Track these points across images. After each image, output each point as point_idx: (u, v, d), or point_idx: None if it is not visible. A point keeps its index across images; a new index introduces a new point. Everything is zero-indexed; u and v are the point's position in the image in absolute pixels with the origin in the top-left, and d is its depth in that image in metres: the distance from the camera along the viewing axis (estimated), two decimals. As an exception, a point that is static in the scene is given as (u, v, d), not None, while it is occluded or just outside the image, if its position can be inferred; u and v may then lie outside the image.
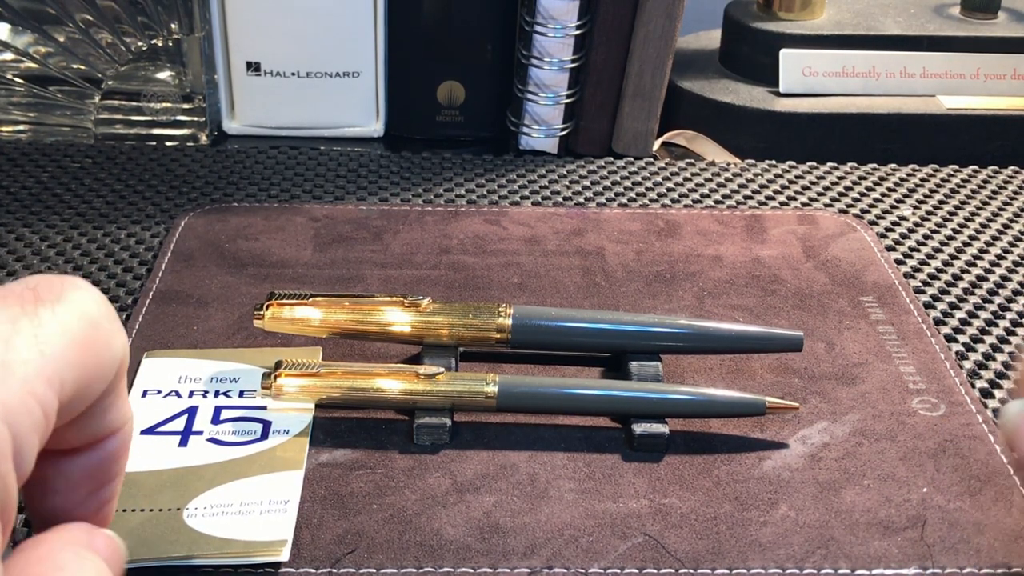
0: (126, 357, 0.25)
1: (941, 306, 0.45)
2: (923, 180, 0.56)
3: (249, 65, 0.57)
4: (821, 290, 0.45)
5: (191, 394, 0.38)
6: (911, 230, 0.51)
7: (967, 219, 0.52)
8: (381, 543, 0.32)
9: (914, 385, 0.40)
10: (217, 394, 0.38)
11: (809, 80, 0.59)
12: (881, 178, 0.56)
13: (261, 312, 0.39)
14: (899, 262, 0.48)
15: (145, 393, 0.38)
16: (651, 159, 0.57)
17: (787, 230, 0.50)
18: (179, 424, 0.36)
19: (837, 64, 0.59)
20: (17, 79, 0.57)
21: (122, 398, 0.25)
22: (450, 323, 0.39)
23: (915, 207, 0.53)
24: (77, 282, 0.24)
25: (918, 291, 0.46)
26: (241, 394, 0.38)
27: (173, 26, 0.56)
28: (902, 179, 0.56)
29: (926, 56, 0.60)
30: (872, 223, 0.52)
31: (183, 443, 0.35)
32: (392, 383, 0.37)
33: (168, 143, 0.57)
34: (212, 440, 0.36)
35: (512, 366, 0.40)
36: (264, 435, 0.36)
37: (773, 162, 0.57)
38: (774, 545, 0.33)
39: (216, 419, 0.37)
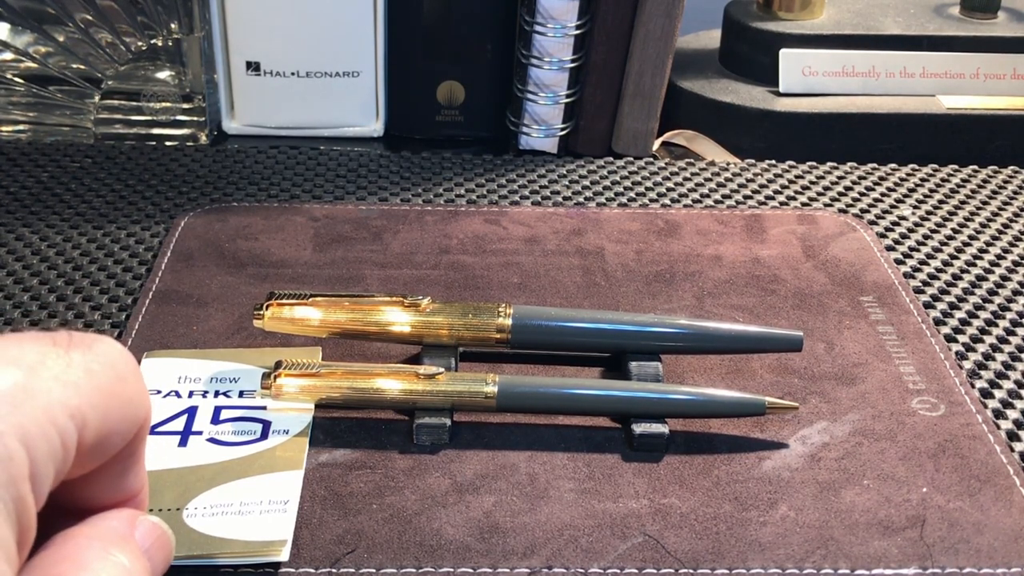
0: (148, 420, 0.25)
1: (941, 306, 0.45)
2: (923, 180, 0.56)
3: (249, 65, 0.57)
4: (821, 290, 0.45)
5: (191, 394, 0.38)
6: (911, 230, 0.51)
7: (967, 219, 0.52)
8: (381, 543, 0.32)
9: (914, 385, 0.40)
10: (217, 394, 0.38)
11: (809, 80, 0.59)
12: (881, 178, 0.56)
13: (261, 312, 0.39)
14: (899, 262, 0.48)
15: (145, 393, 0.38)
16: (651, 159, 0.57)
17: (787, 230, 0.50)
18: (179, 424, 0.36)
19: (837, 64, 0.59)
20: (17, 79, 0.57)
21: (141, 463, 0.26)
22: (450, 323, 0.39)
23: (915, 207, 0.53)
24: (109, 339, 0.24)
25: (918, 291, 0.46)
26: (241, 394, 0.38)
27: (173, 26, 0.56)
28: (902, 179, 0.56)
29: (926, 56, 0.60)
30: (872, 223, 0.52)
31: (183, 443, 0.35)
32: (392, 383, 0.37)
33: (168, 143, 0.57)
34: (212, 440, 0.36)
35: (512, 366, 0.40)
36: (264, 435, 0.36)
37: (773, 162, 0.57)
38: (774, 545, 0.33)
39: (216, 419, 0.37)
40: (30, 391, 0.21)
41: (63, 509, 0.24)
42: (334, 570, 0.32)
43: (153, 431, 0.36)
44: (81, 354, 0.23)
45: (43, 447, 0.21)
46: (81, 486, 0.24)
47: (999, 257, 0.49)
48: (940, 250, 0.50)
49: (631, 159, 0.57)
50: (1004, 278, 0.47)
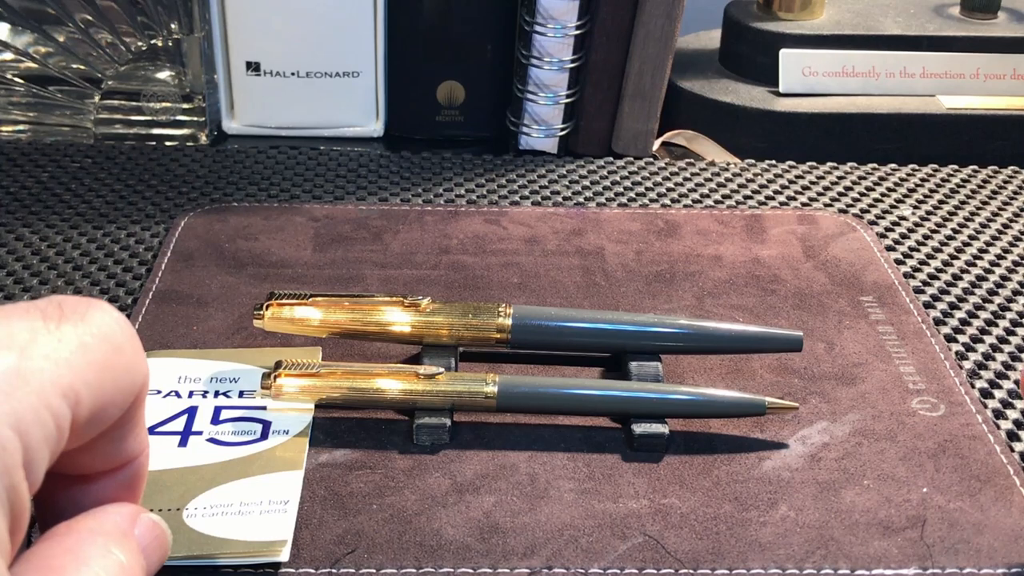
0: (146, 386, 0.24)
1: (941, 306, 0.45)
2: (923, 180, 0.56)
3: (249, 65, 0.57)
4: (821, 290, 0.45)
5: (191, 394, 0.38)
6: (911, 230, 0.51)
7: (967, 219, 0.52)
8: (381, 543, 0.32)
9: (914, 385, 0.40)
10: (217, 394, 0.38)
11: (809, 80, 0.59)
12: (881, 178, 0.56)
13: (261, 312, 0.39)
14: (899, 262, 0.48)
15: (145, 393, 0.38)
16: (651, 159, 0.57)
17: (787, 230, 0.50)
18: (179, 424, 0.36)
19: (837, 64, 0.59)
20: (17, 79, 0.57)
21: (140, 426, 0.25)
22: (450, 323, 0.39)
23: (915, 207, 0.53)
24: (103, 305, 0.23)
25: (918, 291, 0.46)
26: (241, 394, 0.38)
27: (173, 26, 0.56)
28: (902, 179, 0.56)
29: (926, 56, 0.60)
30: (872, 223, 0.52)
31: (183, 443, 0.35)
32: (392, 383, 0.37)
33: (168, 143, 0.57)
34: (212, 440, 0.36)
35: (512, 366, 0.40)
36: (264, 435, 0.36)
37: (773, 162, 0.57)
38: (774, 545, 0.33)
39: (216, 419, 0.37)
40: (22, 375, 0.21)
41: (60, 475, 0.24)
42: (334, 570, 0.32)
43: (153, 431, 0.36)
44: (73, 326, 0.22)
45: (37, 432, 0.21)
46: (78, 455, 0.24)
47: (999, 257, 0.49)
48: (940, 250, 0.50)
49: (631, 159, 0.57)
50: (1004, 278, 0.47)
